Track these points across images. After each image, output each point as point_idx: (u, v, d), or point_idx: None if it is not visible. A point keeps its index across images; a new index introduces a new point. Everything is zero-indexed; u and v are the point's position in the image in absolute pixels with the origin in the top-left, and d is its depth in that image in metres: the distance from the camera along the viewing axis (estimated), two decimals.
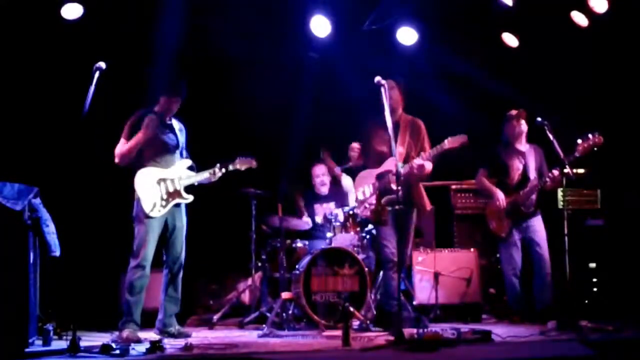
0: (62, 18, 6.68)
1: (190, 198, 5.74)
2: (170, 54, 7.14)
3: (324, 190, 7.29)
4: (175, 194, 5.67)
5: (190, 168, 5.83)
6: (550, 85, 7.56)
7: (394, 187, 5.56)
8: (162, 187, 5.64)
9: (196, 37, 7.29)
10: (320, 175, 7.29)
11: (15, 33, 6.72)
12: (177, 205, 5.72)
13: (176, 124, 5.88)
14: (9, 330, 4.76)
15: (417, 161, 5.82)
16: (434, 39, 7.68)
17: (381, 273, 6.31)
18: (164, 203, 5.60)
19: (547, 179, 6.24)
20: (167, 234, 5.70)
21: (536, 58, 7.63)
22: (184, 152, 5.91)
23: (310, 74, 7.63)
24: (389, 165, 5.90)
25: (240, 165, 5.95)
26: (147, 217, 5.54)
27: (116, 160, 5.66)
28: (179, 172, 5.74)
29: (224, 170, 5.87)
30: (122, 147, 5.64)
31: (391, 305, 5.81)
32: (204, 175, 5.81)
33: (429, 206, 6.20)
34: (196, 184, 5.84)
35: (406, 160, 5.92)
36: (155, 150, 5.67)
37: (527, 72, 7.65)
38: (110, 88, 5.69)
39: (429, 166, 5.90)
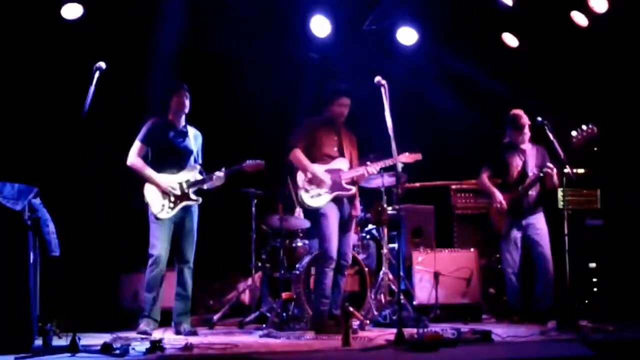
0: (62, 18, 6.68)
1: (198, 200, 5.94)
2: (170, 54, 7.16)
3: None
4: (183, 196, 5.87)
5: (200, 174, 6.00)
6: (550, 85, 7.57)
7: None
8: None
9: (196, 37, 7.29)
10: None
11: (15, 33, 6.72)
12: (188, 208, 5.91)
13: (191, 131, 6.05)
14: (8, 330, 4.76)
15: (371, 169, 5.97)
16: (434, 39, 7.69)
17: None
18: (172, 205, 5.83)
19: (548, 170, 6.22)
20: (177, 234, 5.91)
21: (536, 58, 7.63)
22: (197, 159, 6.07)
23: (310, 74, 7.63)
24: (338, 164, 5.94)
25: (249, 169, 6.07)
26: (157, 218, 5.80)
27: (128, 163, 5.85)
28: (187, 176, 5.93)
29: (225, 173, 5.97)
30: (137, 157, 5.83)
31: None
32: (208, 180, 5.95)
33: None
34: (205, 188, 5.98)
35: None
36: (166, 157, 5.89)
37: (527, 72, 7.65)
38: (110, 88, 5.70)
39: None
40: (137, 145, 5.86)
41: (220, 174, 5.95)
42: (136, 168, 5.83)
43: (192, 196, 5.90)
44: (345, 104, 5.96)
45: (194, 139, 6.02)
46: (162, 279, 5.84)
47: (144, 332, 5.58)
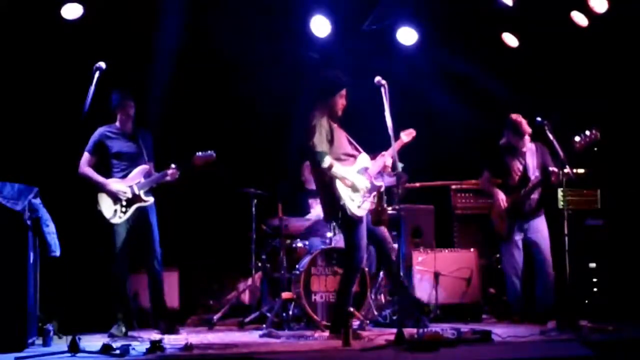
0: (62, 18, 6.68)
1: (150, 200, 6.04)
2: (170, 54, 7.16)
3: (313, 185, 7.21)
4: (135, 199, 5.98)
5: (148, 172, 6.09)
6: (550, 85, 7.57)
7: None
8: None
9: (196, 37, 7.29)
10: (307, 175, 7.17)
11: (15, 33, 6.72)
12: (142, 208, 6.01)
13: (139, 133, 6.16)
14: (8, 330, 4.76)
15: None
16: (434, 39, 7.69)
17: None
18: (124, 209, 5.95)
19: (551, 172, 6.20)
20: (138, 235, 6.02)
21: (536, 58, 7.63)
22: (149, 158, 6.16)
23: (310, 74, 7.63)
24: (362, 162, 5.73)
25: (199, 161, 6.13)
26: (110, 224, 5.91)
27: (79, 173, 5.97)
28: (137, 178, 6.04)
29: (177, 167, 6.08)
30: (86, 167, 6.00)
31: None
32: (160, 177, 6.06)
33: None
34: (154, 185, 6.08)
35: None
36: (116, 163, 6.05)
37: (527, 72, 7.65)
38: (111, 88, 5.71)
39: None
40: (85, 156, 6.02)
41: (171, 170, 6.05)
42: (87, 176, 5.96)
43: (144, 197, 6.01)
44: (345, 95, 5.67)
45: (142, 141, 6.12)
46: (125, 282, 6.02)
47: (110, 335, 5.67)
